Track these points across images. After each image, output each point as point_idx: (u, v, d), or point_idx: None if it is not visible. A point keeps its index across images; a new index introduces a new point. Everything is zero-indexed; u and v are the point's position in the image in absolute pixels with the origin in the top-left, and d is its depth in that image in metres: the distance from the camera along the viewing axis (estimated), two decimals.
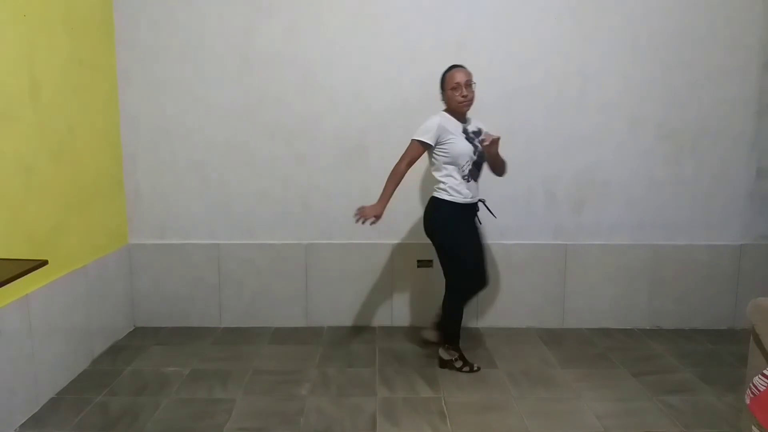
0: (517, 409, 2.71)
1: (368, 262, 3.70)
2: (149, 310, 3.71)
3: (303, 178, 3.64)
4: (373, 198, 2.94)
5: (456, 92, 2.91)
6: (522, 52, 3.54)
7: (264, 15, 3.51)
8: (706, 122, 3.61)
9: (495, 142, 2.88)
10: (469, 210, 3.03)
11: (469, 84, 2.92)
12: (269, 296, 3.73)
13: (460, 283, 3.06)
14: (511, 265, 3.70)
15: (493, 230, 3.59)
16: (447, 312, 3.09)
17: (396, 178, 2.94)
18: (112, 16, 3.48)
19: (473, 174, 2.98)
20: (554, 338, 3.56)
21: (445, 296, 3.10)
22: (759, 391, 1.97)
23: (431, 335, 3.30)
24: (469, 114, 3.03)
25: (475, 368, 3.09)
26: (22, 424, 2.56)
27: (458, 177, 2.94)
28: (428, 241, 3.06)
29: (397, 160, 2.95)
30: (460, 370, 3.09)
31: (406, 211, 3.61)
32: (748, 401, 2.02)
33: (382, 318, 3.76)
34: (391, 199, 2.93)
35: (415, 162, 2.97)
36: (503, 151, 2.97)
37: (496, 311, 3.73)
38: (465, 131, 2.97)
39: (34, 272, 2.12)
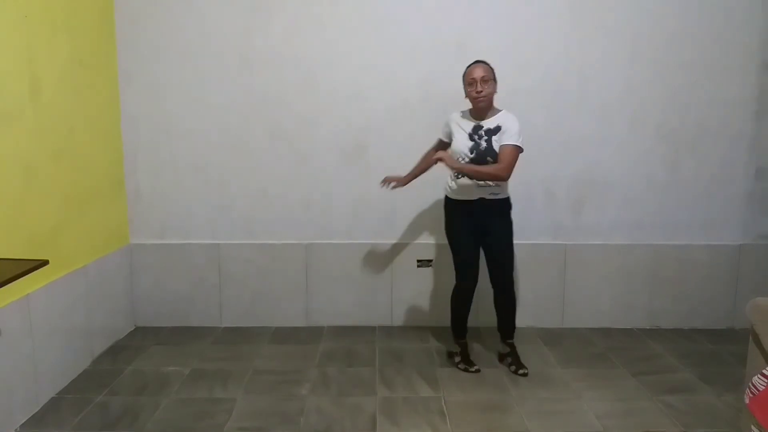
0: (517, 408, 2.71)
1: (368, 262, 3.71)
2: (149, 310, 3.72)
3: (303, 178, 3.64)
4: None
5: (471, 88, 2.91)
6: (522, 52, 3.54)
7: (264, 15, 3.51)
8: (705, 122, 3.61)
9: (440, 160, 2.86)
10: (465, 207, 3.02)
11: (486, 80, 2.89)
12: (269, 296, 3.73)
13: (456, 277, 3.10)
14: None
15: None
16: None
17: (423, 163, 3.12)
18: (113, 17, 3.48)
19: None
20: (554, 338, 3.57)
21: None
22: (758, 390, 1.97)
23: (501, 347, 3.24)
24: (503, 108, 2.97)
25: (472, 369, 3.08)
26: (23, 423, 2.57)
27: (452, 173, 2.99)
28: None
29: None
30: (456, 366, 3.11)
31: (406, 211, 3.62)
32: (747, 401, 2.02)
33: (382, 318, 3.76)
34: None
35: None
36: None
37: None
38: (477, 128, 2.94)
39: (34, 272, 2.13)
